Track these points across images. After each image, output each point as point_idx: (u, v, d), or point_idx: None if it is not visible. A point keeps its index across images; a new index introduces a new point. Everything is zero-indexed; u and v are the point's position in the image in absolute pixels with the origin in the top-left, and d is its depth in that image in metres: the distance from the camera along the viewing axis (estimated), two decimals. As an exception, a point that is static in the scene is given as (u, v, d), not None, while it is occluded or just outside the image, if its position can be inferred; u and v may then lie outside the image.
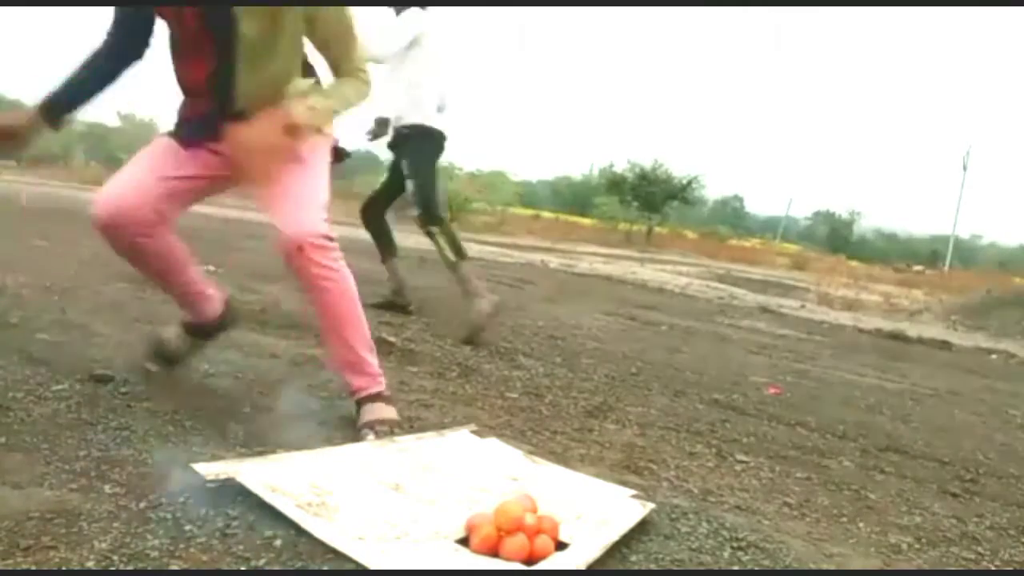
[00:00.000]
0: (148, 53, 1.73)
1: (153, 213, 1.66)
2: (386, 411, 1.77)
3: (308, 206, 1.65)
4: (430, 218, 3.33)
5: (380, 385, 1.80)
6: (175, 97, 1.78)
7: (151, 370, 1.91)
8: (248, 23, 1.60)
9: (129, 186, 1.66)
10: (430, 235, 3.34)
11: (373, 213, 3.67)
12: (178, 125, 1.77)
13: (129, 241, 1.68)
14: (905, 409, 3.09)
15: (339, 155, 1.89)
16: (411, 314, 3.57)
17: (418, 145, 3.42)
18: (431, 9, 3.38)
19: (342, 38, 1.70)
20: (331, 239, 1.66)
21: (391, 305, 3.59)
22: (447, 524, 1.26)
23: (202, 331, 1.98)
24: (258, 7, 1.59)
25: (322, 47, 1.72)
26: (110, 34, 1.70)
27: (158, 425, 1.62)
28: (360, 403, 1.78)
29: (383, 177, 3.76)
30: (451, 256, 3.29)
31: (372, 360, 1.80)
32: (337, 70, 1.74)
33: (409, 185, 3.37)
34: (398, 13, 3.36)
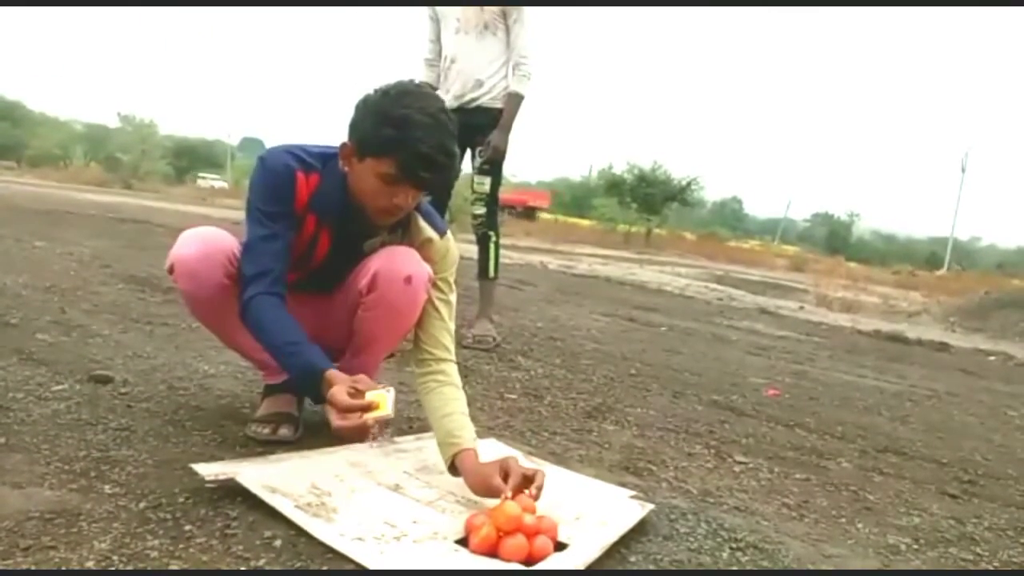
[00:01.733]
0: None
1: (229, 250, 1.57)
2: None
3: (416, 256, 1.61)
4: (493, 224, 3.22)
5: None
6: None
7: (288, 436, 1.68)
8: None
9: (210, 230, 1.60)
10: (485, 239, 3.21)
11: None
12: None
13: (217, 276, 1.54)
14: (903, 410, 3.09)
15: None
16: None
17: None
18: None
19: (439, 314, 1.62)
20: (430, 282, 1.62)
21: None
22: (446, 524, 1.27)
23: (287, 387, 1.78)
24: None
25: (420, 318, 1.63)
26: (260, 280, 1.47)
27: (158, 425, 1.63)
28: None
29: None
30: (492, 270, 3.22)
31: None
32: (430, 352, 1.60)
33: (485, 185, 3.17)
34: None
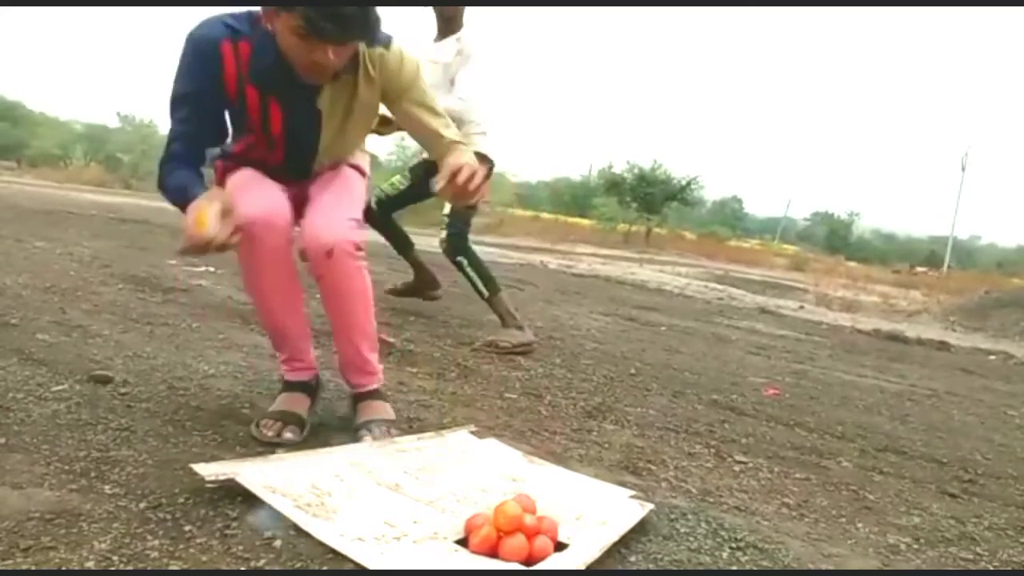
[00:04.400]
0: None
1: (290, 217, 1.62)
2: (382, 409, 1.79)
3: (345, 213, 1.64)
4: (458, 248, 3.17)
5: (378, 382, 1.82)
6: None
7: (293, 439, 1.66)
8: (329, 125, 1.63)
9: (267, 190, 1.62)
10: (458, 266, 3.19)
11: (382, 214, 3.46)
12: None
13: (279, 242, 1.58)
14: (903, 409, 3.09)
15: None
16: (437, 297, 3.63)
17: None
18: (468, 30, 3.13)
19: (429, 114, 1.68)
20: (359, 248, 1.64)
21: (415, 290, 3.59)
22: (446, 525, 1.27)
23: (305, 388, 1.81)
24: (338, 110, 1.61)
25: (415, 129, 1.70)
26: (180, 139, 1.54)
27: (158, 425, 1.63)
28: (356, 399, 1.79)
29: (392, 179, 3.53)
30: (483, 289, 3.18)
31: (374, 359, 1.81)
32: (440, 142, 1.69)
33: (445, 207, 3.17)
34: (441, 38, 3.13)
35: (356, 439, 1.68)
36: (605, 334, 4.08)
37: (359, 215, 1.70)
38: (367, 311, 1.71)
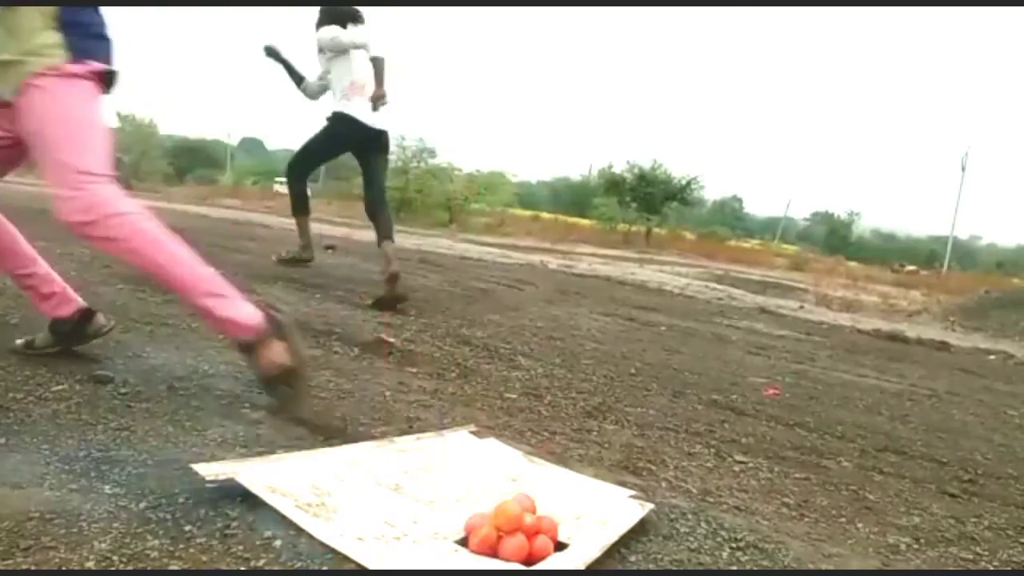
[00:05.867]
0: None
1: None
2: (274, 355, 1.74)
3: (69, 169, 1.61)
4: (288, 171, 4.46)
5: (251, 330, 1.74)
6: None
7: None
8: None
9: None
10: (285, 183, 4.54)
11: (295, 175, 4.49)
12: None
13: None
14: (903, 409, 3.09)
15: (107, 81, 1.75)
16: (308, 264, 4.50)
17: (330, 127, 4.29)
18: (357, 26, 4.24)
19: None
20: (103, 197, 1.61)
21: (296, 260, 4.47)
22: (446, 524, 1.27)
23: (59, 329, 1.99)
24: None
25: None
26: None
27: (158, 425, 1.62)
28: (244, 353, 1.78)
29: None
30: (292, 209, 4.49)
31: (224, 300, 1.72)
32: None
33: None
34: (317, 28, 4.26)
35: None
36: (605, 334, 4.08)
37: (92, 161, 1.63)
38: (157, 245, 1.69)
